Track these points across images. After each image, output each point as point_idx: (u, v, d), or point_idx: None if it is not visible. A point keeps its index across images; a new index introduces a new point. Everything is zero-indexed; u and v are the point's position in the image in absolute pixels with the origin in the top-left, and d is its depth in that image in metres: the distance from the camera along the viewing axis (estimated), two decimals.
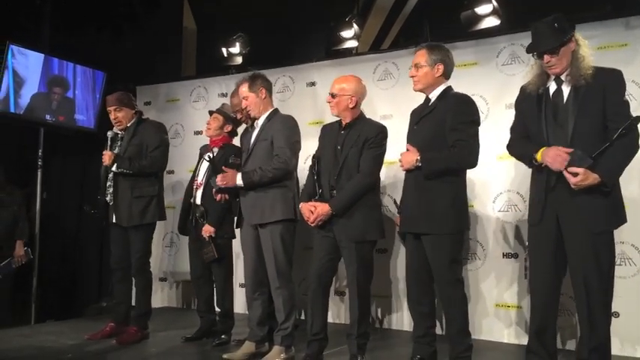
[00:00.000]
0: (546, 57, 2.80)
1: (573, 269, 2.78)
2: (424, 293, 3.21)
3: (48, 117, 5.54)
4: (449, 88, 3.21)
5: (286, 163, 3.45)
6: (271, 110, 3.63)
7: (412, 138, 3.23)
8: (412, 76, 3.23)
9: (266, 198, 3.47)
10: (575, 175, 2.66)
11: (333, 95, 3.39)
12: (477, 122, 3.13)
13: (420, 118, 3.22)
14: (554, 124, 2.81)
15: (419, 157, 3.05)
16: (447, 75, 3.20)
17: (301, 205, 3.40)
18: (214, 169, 3.78)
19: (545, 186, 2.82)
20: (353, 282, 3.30)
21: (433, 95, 3.19)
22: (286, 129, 3.52)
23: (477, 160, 3.10)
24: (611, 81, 2.76)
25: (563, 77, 2.83)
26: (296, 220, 3.55)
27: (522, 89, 3.00)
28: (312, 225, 3.34)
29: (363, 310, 3.31)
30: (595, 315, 2.71)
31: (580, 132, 2.72)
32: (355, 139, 3.32)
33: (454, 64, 3.26)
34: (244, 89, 3.62)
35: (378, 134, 3.34)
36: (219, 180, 3.53)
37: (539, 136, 2.85)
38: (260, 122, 3.63)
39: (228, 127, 4.19)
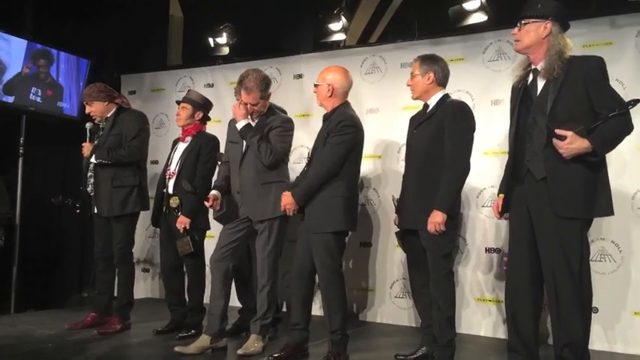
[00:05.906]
0: (515, 29, 2.83)
1: (543, 261, 2.73)
2: (426, 285, 3.30)
3: (33, 96, 5.44)
4: (446, 95, 3.38)
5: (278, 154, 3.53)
6: (267, 107, 3.66)
7: (412, 142, 3.41)
8: (408, 85, 3.43)
9: (270, 195, 3.51)
10: (564, 138, 2.58)
11: (315, 85, 3.50)
12: (472, 129, 3.28)
13: (418, 123, 3.38)
14: (527, 114, 2.81)
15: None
16: (439, 82, 3.36)
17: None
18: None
19: (514, 178, 2.84)
20: (319, 275, 3.31)
21: (431, 102, 3.37)
22: (283, 130, 3.58)
23: (468, 167, 3.25)
24: (587, 68, 2.70)
25: (539, 68, 2.80)
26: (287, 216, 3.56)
27: (511, 89, 3.01)
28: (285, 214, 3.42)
29: (330, 303, 3.26)
30: (565, 310, 2.64)
31: (559, 120, 2.65)
32: (324, 130, 3.39)
33: (449, 73, 3.40)
34: (258, 92, 3.52)
35: (339, 123, 3.31)
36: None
37: (510, 128, 2.89)
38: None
39: (199, 115, 4.14)
